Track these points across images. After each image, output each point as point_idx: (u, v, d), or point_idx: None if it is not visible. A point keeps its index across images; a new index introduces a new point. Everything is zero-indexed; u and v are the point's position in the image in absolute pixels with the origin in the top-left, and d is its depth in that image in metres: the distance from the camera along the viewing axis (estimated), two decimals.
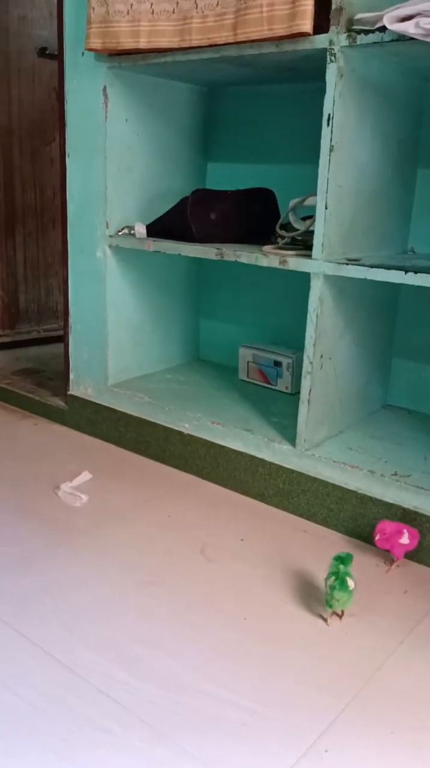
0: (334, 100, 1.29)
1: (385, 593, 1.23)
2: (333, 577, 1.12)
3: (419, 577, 1.28)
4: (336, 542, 1.40)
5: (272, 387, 1.87)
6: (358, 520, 1.40)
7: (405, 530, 1.27)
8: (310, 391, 1.44)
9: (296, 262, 1.40)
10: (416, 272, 1.23)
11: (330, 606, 1.13)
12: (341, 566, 1.13)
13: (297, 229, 1.53)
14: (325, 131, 1.30)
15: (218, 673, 1.03)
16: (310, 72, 1.51)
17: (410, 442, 1.53)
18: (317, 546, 1.38)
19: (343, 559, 1.14)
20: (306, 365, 1.43)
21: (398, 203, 1.57)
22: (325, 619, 1.15)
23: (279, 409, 1.72)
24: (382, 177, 1.48)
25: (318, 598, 1.20)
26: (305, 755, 0.90)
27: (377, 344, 1.65)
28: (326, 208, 1.34)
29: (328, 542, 1.40)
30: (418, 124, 1.57)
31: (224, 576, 1.27)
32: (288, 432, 1.54)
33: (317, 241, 1.36)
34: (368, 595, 1.22)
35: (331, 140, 1.30)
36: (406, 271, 1.25)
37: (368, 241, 1.49)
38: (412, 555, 1.32)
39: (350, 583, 1.11)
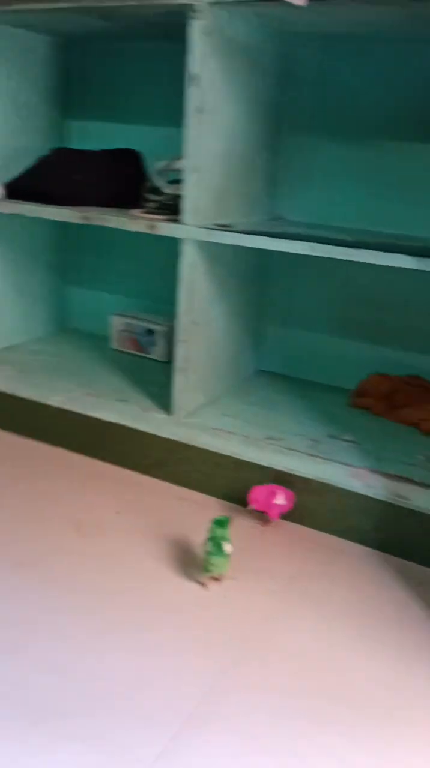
0: (199, 60, 1.25)
1: (262, 553, 1.26)
2: (210, 542, 1.12)
3: (294, 536, 1.33)
4: (214, 507, 1.41)
5: (147, 356, 1.84)
6: (234, 484, 1.42)
7: (278, 491, 1.30)
8: (184, 359, 1.42)
9: (165, 228, 1.37)
10: (284, 238, 1.24)
11: (207, 570, 1.13)
12: (218, 530, 1.14)
13: (166, 194, 1.49)
14: (190, 92, 1.27)
15: (98, 653, 1.00)
16: (178, 30, 1.46)
17: (283, 407, 1.57)
18: (195, 513, 1.38)
19: (221, 522, 1.15)
20: (179, 333, 1.41)
21: (266, 168, 1.58)
22: (202, 584, 1.15)
23: (154, 378, 1.69)
24: (250, 141, 1.48)
25: (197, 564, 1.21)
26: (187, 720, 0.90)
27: (249, 311, 1.66)
28: (195, 172, 1.31)
29: (206, 508, 1.40)
30: (283, 89, 1.57)
31: (101, 551, 1.24)
32: (164, 401, 1.52)
33: (187, 205, 1.33)
34: (246, 556, 1.25)
35: (197, 101, 1.27)
36: (275, 237, 1.26)
37: (238, 206, 1.48)
38: (287, 515, 1.36)
39: (226, 547, 1.12)
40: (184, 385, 1.44)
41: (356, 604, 1.14)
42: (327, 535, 1.33)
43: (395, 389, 1.55)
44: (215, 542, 1.12)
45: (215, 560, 1.11)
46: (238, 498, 1.42)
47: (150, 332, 1.81)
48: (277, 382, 1.73)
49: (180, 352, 1.42)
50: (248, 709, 0.92)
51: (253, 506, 1.29)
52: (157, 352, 1.81)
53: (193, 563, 1.21)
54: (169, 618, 1.08)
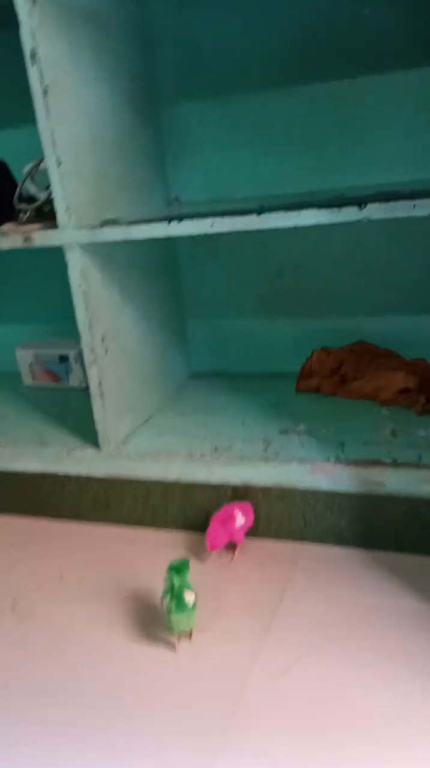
0: (32, 33, 1.05)
1: (233, 587, 1.08)
2: (168, 597, 0.94)
3: (267, 555, 1.15)
4: (170, 543, 1.22)
5: (65, 386, 1.63)
6: (188, 510, 1.23)
7: (235, 510, 1.13)
8: (100, 382, 1.22)
9: (42, 237, 1.16)
10: (180, 220, 1.06)
11: (171, 630, 0.94)
12: (176, 579, 0.95)
13: (42, 200, 1.29)
14: (32, 72, 1.06)
15: (56, 751, 0.81)
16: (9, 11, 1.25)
17: (225, 409, 1.39)
18: (150, 554, 1.19)
19: (177, 569, 0.96)
20: (87, 355, 1.21)
21: (149, 148, 1.39)
22: (172, 646, 0.97)
23: (76, 409, 1.49)
24: (122, 120, 1.28)
25: (161, 620, 1.02)
26: None
27: (164, 311, 1.47)
28: (59, 165, 1.11)
29: (161, 546, 1.21)
30: (149, 56, 1.38)
31: (45, 629, 1.03)
32: (90, 435, 1.32)
33: (60, 206, 1.13)
34: (215, 596, 1.06)
35: (42, 82, 1.06)
36: (169, 221, 1.07)
37: (124, 196, 1.29)
38: (254, 531, 1.18)
39: (189, 598, 0.93)
40: (106, 412, 1.25)
41: (358, 624, 0.97)
42: (302, 544, 1.16)
43: (341, 362, 1.39)
44: (175, 595, 0.93)
45: (177, 618, 0.93)
46: (193, 524, 1.23)
47: (63, 359, 1.60)
48: (213, 382, 1.54)
49: (93, 376, 1.22)
50: None
51: (215, 550, 1.12)
52: (75, 379, 1.60)
53: (156, 620, 1.02)
54: (136, 695, 0.89)
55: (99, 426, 1.25)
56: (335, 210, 0.98)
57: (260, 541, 1.18)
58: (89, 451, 1.28)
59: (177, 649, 0.96)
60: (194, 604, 0.94)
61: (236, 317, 1.54)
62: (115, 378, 1.27)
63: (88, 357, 1.20)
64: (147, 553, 1.20)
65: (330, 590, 1.04)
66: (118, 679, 0.93)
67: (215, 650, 0.95)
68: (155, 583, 1.09)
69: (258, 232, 1.45)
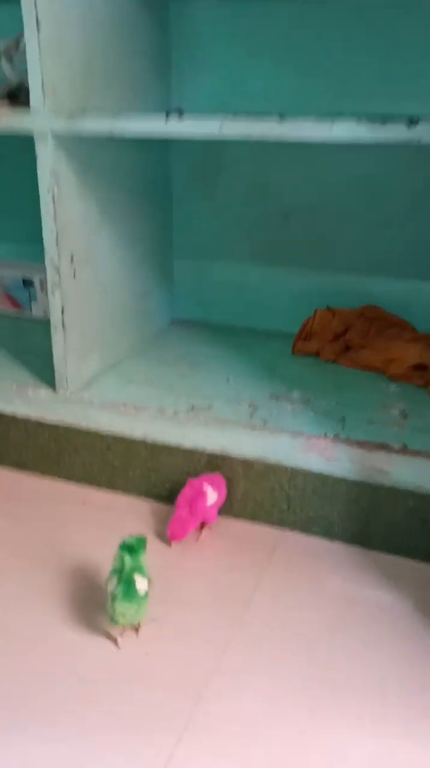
0: None
1: (197, 574, 0.91)
2: (115, 580, 0.75)
3: (238, 540, 0.97)
4: (127, 510, 1.03)
5: (27, 316, 1.41)
6: (152, 475, 1.04)
7: (205, 485, 0.94)
8: (62, 310, 1.02)
9: (8, 120, 0.94)
10: (181, 114, 0.84)
11: (114, 621, 0.76)
12: (128, 559, 0.76)
13: (12, 81, 1.06)
14: None
15: None
16: None
17: (207, 362, 1.20)
18: (101, 522, 1.00)
19: (131, 548, 0.78)
20: (51, 275, 1.00)
21: (150, 43, 1.16)
22: (113, 640, 0.79)
23: (36, 343, 1.28)
24: (122, 3, 1.05)
25: (105, 605, 0.84)
26: None
27: (150, 243, 1.26)
28: (39, 31, 0.88)
29: (117, 512, 1.03)
30: None
31: None
32: (46, 374, 1.12)
33: (34, 83, 0.90)
34: (174, 583, 0.88)
35: None
36: (167, 116, 0.85)
37: (114, 92, 1.06)
38: (226, 509, 1.00)
39: (140, 584, 0.75)
40: (67, 347, 1.04)
41: (338, 628, 0.80)
42: (283, 531, 0.98)
43: (347, 326, 1.20)
44: (124, 579, 0.75)
45: (124, 607, 0.74)
46: (160, 493, 1.05)
47: (27, 283, 1.38)
48: (197, 332, 1.34)
49: (56, 302, 1.01)
50: None
51: (178, 541, 0.94)
52: (39, 309, 1.39)
53: (100, 604, 0.84)
54: (64, 703, 0.71)
55: (57, 363, 1.05)
56: (378, 125, 0.78)
57: (233, 522, 1.01)
58: (43, 392, 1.08)
59: (120, 645, 0.78)
60: (146, 594, 0.76)
61: (231, 262, 1.34)
62: (82, 309, 1.06)
63: (51, 277, 0.99)
64: (99, 518, 1.02)
65: (310, 587, 0.87)
66: (48, 671, 0.75)
67: (169, 650, 0.78)
68: (105, 557, 0.91)
69: (265, 168, 1.24)
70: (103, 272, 1.10)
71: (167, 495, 1.04)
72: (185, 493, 0.94)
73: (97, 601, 0.84)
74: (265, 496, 0.98)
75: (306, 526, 0.97)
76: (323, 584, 0.88)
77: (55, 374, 1.06)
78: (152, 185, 1.24)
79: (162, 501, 1.05)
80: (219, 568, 0.91)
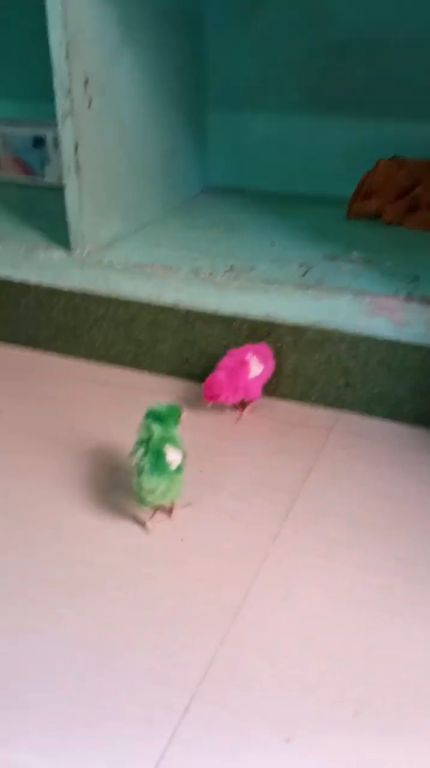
0: None
1: (238, 458, 0.77)
2: (141, 451, 0.62)
3: (284, 421, 0.83)
4: (156, 391, 0.89)
5: (39, 183, 1.24)
6: (184, 350, 0.89)
7: (250, 355, 0.79)
8: (76, 147, 0.84)
9: None
10: None
11: (143, 502, 0.63)
12: (156, 428, 0.62)
13: None
14: None
15: None
16: None
17: (247, 227, 1.02)
18: (125, 403, 0.86)
19: (160, 416, 0.64)
20: (61, 101, 0.82)
21: None
22: (143, 524, 0.66)
23: (49, 209, 1.11)
24: None
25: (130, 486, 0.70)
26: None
27: (178, 84, 1.06)
28: None
29: (143, 394, 0.89)
30: None
31: None
32: (62, 235, 0.96)
33: None
34: (212, 467, 0.75)
35: None
36: None
37: None
38: (272, 389, 0.85)
39: (172, 457, 0.61)
40: (83, 197, 0.87)
41: (403, 532, 0.66)
42: (338, 412, 0.83)
43: (416, 181, 1.00)
44: (153, 450, 0.61)
45: (154, 482, 0.61)
46: (194, 371, 0.90)
47: (39, 142, 1.20)
48: (233, 198, 1.16)
49: (66, 136, 0.83)
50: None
51: (211, 397, 0.78)
52: (53, 174, 1.21)
53: (127, 485, 0.71)
54: (89, 605, 0.59)
55: (71, 217, 0.89)
56: None
57: (280, 402, 0.86)
58: (57, 254, 0.92)
59: (149, 528, 0.65)
60: (180, 469, 0.62)
61: (274, 113, 1.14)
62: (99, 150, 0.89)
63: (61, 104, 0.81)
64: (123, 399, 0.87)
65: (370, 475, 0.73)
66: (63, 563, 0.62)
67: (208, 537, 0.65)
68: (129, 439, 0.77)
69: None
70: (123, 109, 0.92)
71: (202, 374, 0.88)
72: (226, 361, 0.79)
73: (120, 484, 0.71)
74: (319, 371, 0.83)
75: (368, 405, 0.82)
76: (386, 473, 0.73)
77: (69, 231, 0.90)
78: (182, 8, 1.03)
79: (195, 380, 0.90)
80: (264, 453, 0.77)
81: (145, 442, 0.62)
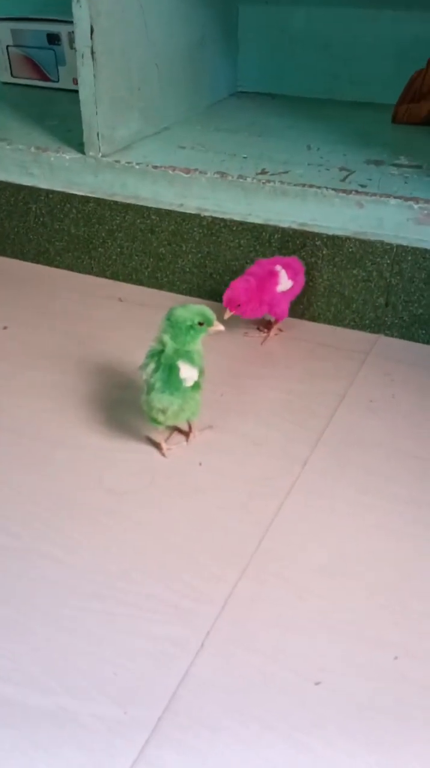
0: None
1: (264, 381, 0.69)
2: (151, 366, 0.54)
3: (316, 344, 0.75)
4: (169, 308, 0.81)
5: (54, 85, 1.14)
6: (207, 265, 0.81)
7: (278, 267, 0.70)
8: (92, 31, 0.74)
9: None
10: None
11: (155, 421, 0.56)
12: (175, 334, 0.55)
13: None
14: None
15: None
16: None
17: (281, 131, 0.92)
18: (141, 320, 0.79)
19: (179, 323, 0.56)
20: None
21: None
22: (158, 446, 0.59)
23: (62, 111, 1.01)
24: None
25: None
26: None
27: None
28: None
29: (159, 312, 0.81)
30: None
31: None
32: (75, 137, 0.86)
33: None
34: (236, 390, 0.68)
35: None
36: None
37: None
38: (300, 308, 0.77)
39: (187, 373, 0.54)
40: (99, 90, 0.78)
41: None
42: (377, 336, 0.75)
43: None
44: (164, 364, 0.54)
45: (164, 401, 0.54)
46: (216, 289, 0.82)
47: (53, 39, 1.09)
48: (266, 103, 1.05)
49: (80, 16, 0.73)
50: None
51: (233, 312, 0.70)
52: (68, 76, 1.11)
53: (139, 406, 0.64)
54: (103, 532, 0.53)
55: (86, 112, 0.79)
56: None
57: (311, 325, 0.78)
58: (69, 156, 0.83)
59: (165, 450, 0.58)
60: (197, 386, 0.55)
61: (314, 4, 1.01)
62: (118, 35, 0.78)
63: None
64: (139, 316, 0.80)
65: (413, 405, 0.65)
66: (77, 487, 0.56)
67: (227, 461, 0.58)
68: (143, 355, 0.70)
69: None
70: None
71: (222, 290, 0.80)
72: (252, 271, 0.71)
73: (132, 404, 0.64)
74: (357, 289, 0.74)
75: (409, 328, 0.74)
76: (428, 402, 0.66)
77: (83, 129, 0.81)
78: None
79: (219, 299, 0.82)
80: (293, 377, 0.70)
81: (157, 355, 0.54)
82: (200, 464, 0.58)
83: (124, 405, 0.65)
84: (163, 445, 0.58)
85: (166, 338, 0.55)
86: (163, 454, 0.58)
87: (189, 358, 0.55)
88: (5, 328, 0.77)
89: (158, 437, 0.59)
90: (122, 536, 0.51)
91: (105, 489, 0.55)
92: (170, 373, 0.54)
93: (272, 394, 0.67)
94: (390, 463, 0.58)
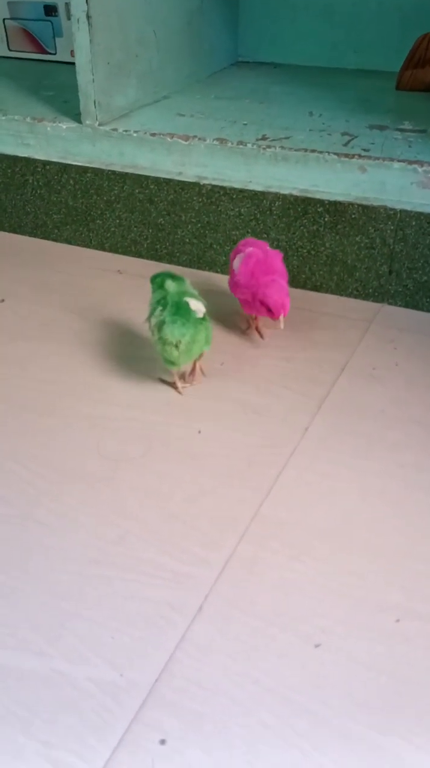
0: None
1: (263, 349, 0.68)
2: (159, 309, 0.55)
3: (315, 313, 0.73)
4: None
5: (51, 57, 1.12)
6: (206, 235, 0.80)
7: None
8: None
9: None
10: None
11: (170, 362, 0.57)
12: (172, 283, 0.56)
13: None
14: None
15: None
16: None
17: (282, 99, 0.90)
18: (141, 292, 0.78)
19: (162, 278, 0.56)
20: None
21: None
22: (173, 386, 0.59)
23: (58, 82, 1.00)
24: None
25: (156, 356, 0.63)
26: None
27: None
28: None
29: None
30: None
31: None
32: (72, 108, 0.85)
33: None
34: (237, 359, 0.66)
35: None
36: None
37: None
38: (298, 280, 0.76)
39: (196, 305, 0.56)
40: (96, 57, 0.76)
41: None
42: (381, 306, 0.74)
43: None
44: (172, 303, 0.56)
45: (177, 332, 0.55)
46: (216, 261, 0.81)
47: (50, 11, 1.07)
48: (267, 71, 1.03)
49: None
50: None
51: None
52: (65, 48, 1.09)
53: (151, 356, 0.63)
54: (99, 496, 0.52)
55: (82, 77, 0.78)
56: None
57: (312, 294, 0.76)
58: (66, 125, 0.82)
59: (180, 389, 0.58)
60: (206, 319, 0.57)
61: None
62: (115, 1, 0.77)
63: None
64: (139, 288, 0.78)
65: (417, 373, 0.64)
66: (73, 455, 0.56)
67: (226, 428, 0.57)
68: (142, 331, 0.69)
69: None
70: None
71: (226, 263, 0.79)
72: (257, 257, 0.67)
73: (129, 374, 0.63)
74: (360, 257, 0.73)
75: (414, 297, 0.72)
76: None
77: (80, 97, 0.79)
78: None
79: (219, 270, 0.81)
80: (294, 346, 0.68)
81: (162, 299, 0.56)
82: (199, 432, 0.57)
83: (122, 375, 0.64)
84: (179, 383, 0.60)
85: (168, 283, 0.58)
86: (179, 392, 0.60)
87: (193, 295, 0.58)
88: (2, 300, 0.76)
89: (170, 378, 0.60)
90: (119, 503, 0.50)
91: (102, 456, 0.55)
92: (179, 307, 0.56)
93: (272, 363, 0.66)
94: (392, 430, 0.57)
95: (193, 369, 0.60)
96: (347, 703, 0.38)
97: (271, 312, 0.62)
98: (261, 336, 0.68)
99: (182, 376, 0.61)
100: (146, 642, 0.41)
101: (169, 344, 0.54)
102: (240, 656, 0.40)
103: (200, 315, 0.54)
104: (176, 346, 0.54)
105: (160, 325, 0.54)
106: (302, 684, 0.39)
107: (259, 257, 0.65)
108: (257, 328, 0.68)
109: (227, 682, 0.39)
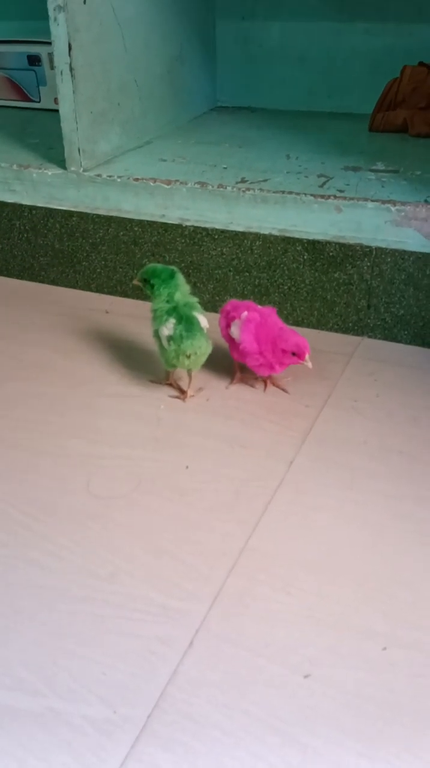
0: None
1: (247, 384, 0.70)
2: (172, 321, 0.63)
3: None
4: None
5: (35, 105, 1.15)
6: (190, 273, 0.82)
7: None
8: (70, 47, 0.76)
9: None
10: None
11: (173, 366, 0.65)
12: (174, 291, 0.65)
13: None
14: None
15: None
16: None
17: (260, 143, 0.93)
18: (129, 331, 0.80)
19: (164, 278, 0.65)
20: None
21: None
22: (180, 396, 0.63)
23: (43, 129, 1.03)
24: None
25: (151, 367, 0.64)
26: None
27: None
28: None
29: (145, 324, 0.82)
30: None
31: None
32: (57, 154, 0.88)
33: None
34: (218, 395, 0.68)
35: None
36: None
37: None
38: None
39: (203, 321, 0.64)
40: (79, 105, 0.79)
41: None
42: (358, 338, 0.76)
43: None
44: (185, 317, 0.63)
45: (195, 345, 0.63)
46: (200, 298, 0.82)
47: (34, 61, 1.11)
48: (245, 116, 1.07)
49: (59, 35, 0.75)
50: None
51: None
52: (49, 96, 1.12)
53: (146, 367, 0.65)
54: (88, 534, 0.53)
55: (66, 128, 0.81)
56: None
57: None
58: (51, 171, 0.85)
59: (187, 398, 0.66)
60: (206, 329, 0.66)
61: (288, 20, 1.04)
62: (96, 51, 0.80)
63: None
64: (127, 327, 0.81)
65: (396, 404, 0.66)
66: (61, 492, 0.57)
67: (213, 463, 0.58)
68: (130, 370, 0.70)
69: None
70: (123, 7, 0.83)
71: (209, 300, 0.81)
72: (256, 321, 0.67)
73: (117, 413, 0.65)
74: (339, 292, 0.75)
75: (392, 330, 0.75)
76: (412, 401, 0.66)
77: (64, 144, 0.82)
78: None
79: (203, 307, 0.83)
80: (277, 379, 0.70)
81: (172, 311, 0.63)
82: (187, 467, 0.58)
83: (111, 413, 0.65)
84: (189, 391, 0.66)
85: (177, 295, 0.64)
86: (183, 400, 0.66)
87: (197, 308, 0.64)
88: None
89: (170, 381, 0.68)
90: (109, 540, 0.51)
91: (91, 494, 0.56)
92: (190, 323, 0.63)
93: (257, 398, 0.67)
94: (375, 461, 0.59)
95: (190, 379, 0.67)
96: (336, 732, 0.39)
97: (296, 356, 0.63)
98: (286, 391, 0.68)
99: (180, 389, 0.67)
100: (139, 678, 0.42)
101: (183, 354, 0.62)
102: (231, 689, 0.41)
103: (206, 328, 0.64)
104: (189, 357, 0.63)
105: (179, 338, 0.62)
106: (292, 715, 0.39)
107: (257, 321, 0.66)
108: (277, 386, 0.68)
109: (219, 715, 0.40)
